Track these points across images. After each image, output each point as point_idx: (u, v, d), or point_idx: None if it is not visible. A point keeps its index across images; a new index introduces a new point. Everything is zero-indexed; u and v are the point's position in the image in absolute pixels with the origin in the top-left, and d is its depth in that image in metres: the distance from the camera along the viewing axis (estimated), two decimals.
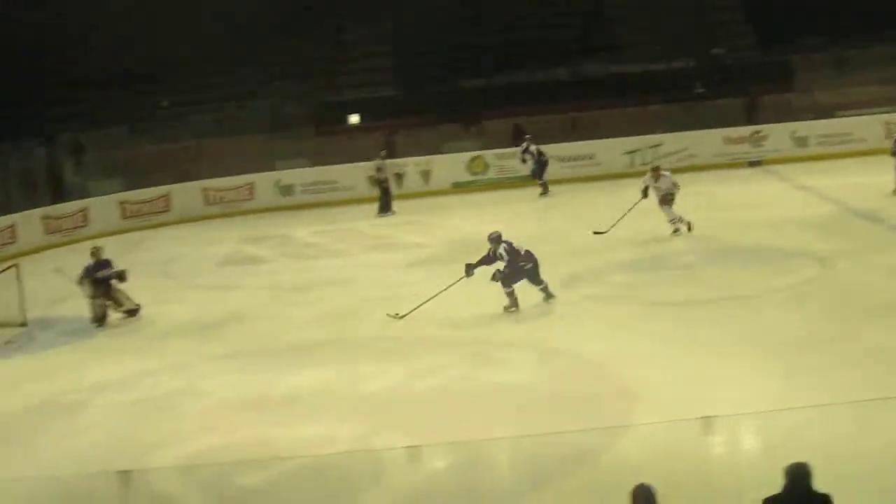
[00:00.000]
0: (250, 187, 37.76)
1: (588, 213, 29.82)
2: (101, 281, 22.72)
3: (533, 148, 35.90)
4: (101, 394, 18.02)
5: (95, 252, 23.73)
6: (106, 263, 23.11)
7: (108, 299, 22.84)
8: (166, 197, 36.50)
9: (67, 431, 16.42)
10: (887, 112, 38.56)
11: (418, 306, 20.82)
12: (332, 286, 24.74)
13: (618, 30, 45.69)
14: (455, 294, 22.46)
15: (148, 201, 35.90)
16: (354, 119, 42.24)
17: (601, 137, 38.42)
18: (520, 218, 31.06)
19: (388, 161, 35.03)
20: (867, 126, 37.89)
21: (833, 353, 16.53)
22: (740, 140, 38.26)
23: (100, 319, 22.62)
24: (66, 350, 21.43)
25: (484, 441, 13.58)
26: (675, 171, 34.00)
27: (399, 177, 35.36)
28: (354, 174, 37.55)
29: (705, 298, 20.77)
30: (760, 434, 13.42)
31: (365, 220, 33.29)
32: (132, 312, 22.96)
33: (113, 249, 30.81)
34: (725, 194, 32.13)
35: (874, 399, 12.30)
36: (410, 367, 17.88)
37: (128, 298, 23.04)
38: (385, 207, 34.01)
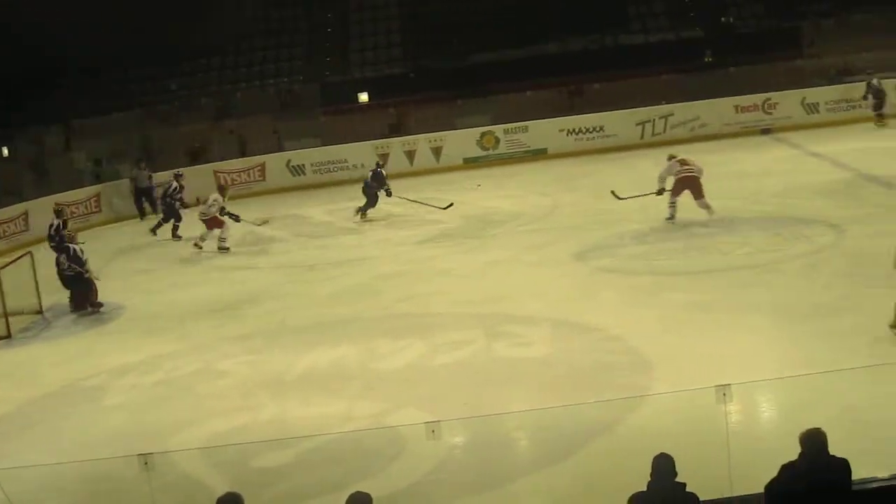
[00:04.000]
0: (261, 168, 37.78)
1: (599, 185, 29.77)
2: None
3: (875, 82, 36.13)
4: (121, 378, 18.11)
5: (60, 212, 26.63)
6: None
7: None
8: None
9: (89, 416, 16.52)
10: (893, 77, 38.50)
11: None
12: (347, 264, 24.82)
13: (627, 1, 45.52)
14: (470, 269, 22.62)
15: (160, 185, 35.95)
16: (363, 97, 42.19)
17: (611, 109, 38.36)
18: (531, 192, 31.10)
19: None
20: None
21: (848, 319, 16.59)
22: (752, 108, 38.17)
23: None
24: (84, 336, 21.48)
25: (503, 415, 13.62)
26: (686, 140, 34.15)
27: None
28: (365, 152, 37.56)
29: (719, 267, 20.82)
30: (777, 401, 13.47)
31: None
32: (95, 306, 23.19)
33: (129, 233, 31.15)
34: (737, 162, 32.08)
35: (889, 364, 12.31)
36: (426, 344, 17.92)
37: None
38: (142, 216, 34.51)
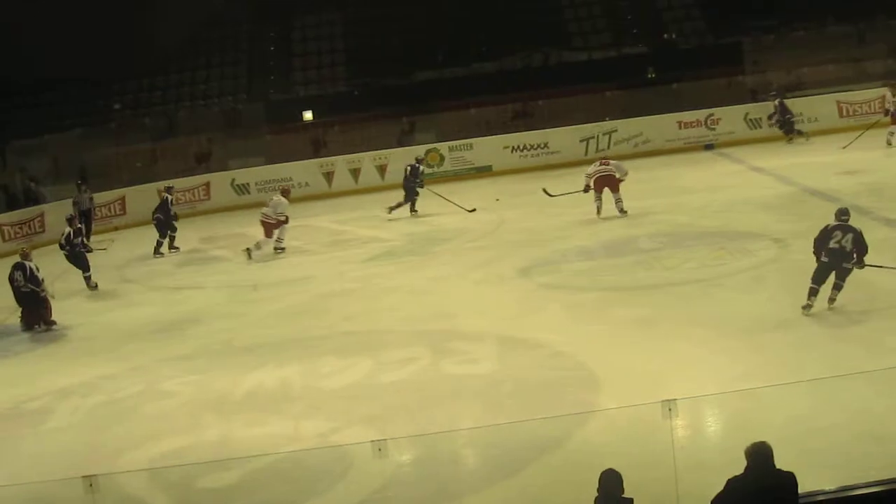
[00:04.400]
0: (206, 187, 37.64)
1: (544, 202, 29.83)
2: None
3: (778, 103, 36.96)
4: (64, 400, 17.92)
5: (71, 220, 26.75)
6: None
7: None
8: (122, 200, 36.33)
9: (33, 439, 16.34)
10: (839, 91, 38.90)
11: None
12: (292, 283, 24.71)
13: (568, 18, 45.73)
14: (415, 286, 22.63)
15: (105, 205, 35.70)
16: (308, 116, 42.15)
17: (555, 126, 38.49)
18: (476, 209, 31.06)
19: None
20: (819, 105, 38.17)
21: (792, 332, 16.71)
22: (695, 124, 38.41)
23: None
24: (26, 358, 21.27)
25: (450, 433, 13.59)
26: (630, 156, 34.35)
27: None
28: (310, 171, 37.52)
29: (664, 282, 20.89)
30: (722, 414, 13.52)
31: (323, 215, 33.23)
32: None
33: None
34: (681, 178, 32.31)
35: (833, 376, 12.39)
36: (373, 362, 17.84)
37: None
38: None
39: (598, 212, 27.58)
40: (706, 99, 38.77)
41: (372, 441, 11.00)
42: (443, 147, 38.51)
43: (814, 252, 17.76)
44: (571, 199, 28.26)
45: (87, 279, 26.23)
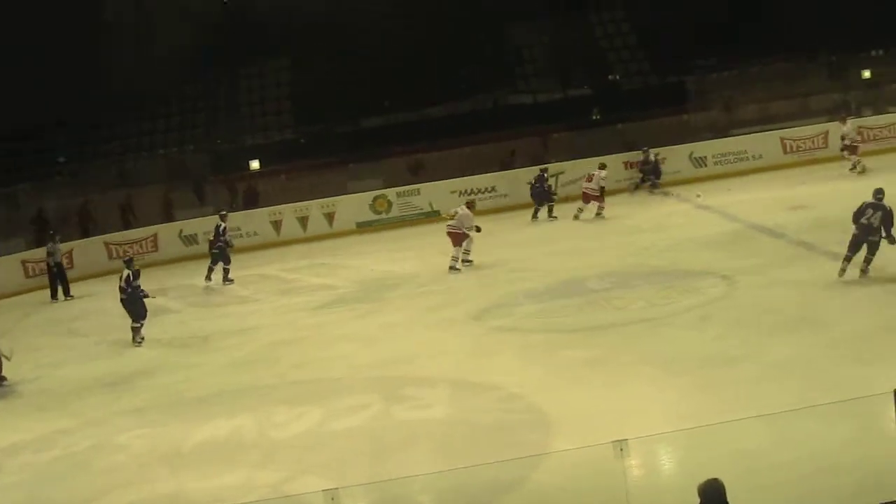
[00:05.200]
0: (154, 239, 37.45)
1: (493, 246, 29.94)
2: None
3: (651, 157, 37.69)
4: (15, 456, 17.78)
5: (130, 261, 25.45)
6: None
7: None
8: (69, 253, 36.06)
9: None
10: (782, 128, 39.30)
11: None
12: (242, 333, 24.59)
13: (514, 62, 45.99)
14: (367, 333, 22.59)
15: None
16: (255, 164, 42.10)
17: (502, 169, 38.62)
18: (425, 254, 31.07)
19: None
20: (763, 142, 38.51)
21: (742, 368, 16.81)
22: (640, 164, 38.58)
23: None
24: None
25: (404, 479, 13.54)
26: (578, 197, 34.47)
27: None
28: (258, 219, 37.45)
29: (614, 322, 20.96)
30: (674, 453, 13.53)
31: (272, 264, 33.14)
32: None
33: (19, 309, 30.64)
34: (629, 218, 32.45)
35: (784, 411, 12.45)
36: (326, 410, 17.79)
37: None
38: (55, 294, 32.65)
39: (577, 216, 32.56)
40: (652, 138, 38.99)
41: (324, 490, 10.95)
42: (390, 193, 38.50)
43: (852, 221, 20.85)
44: (524, 241, 28.29)
45: (137, 330, 24.81)
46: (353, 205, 38.33)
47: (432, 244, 32.35)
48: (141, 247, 37.07)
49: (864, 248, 20.79)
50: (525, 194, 36.94)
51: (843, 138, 35.50)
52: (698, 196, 25.63)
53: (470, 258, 28.27)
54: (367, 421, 17.04)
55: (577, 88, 44.22)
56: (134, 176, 42.19)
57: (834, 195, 29.51)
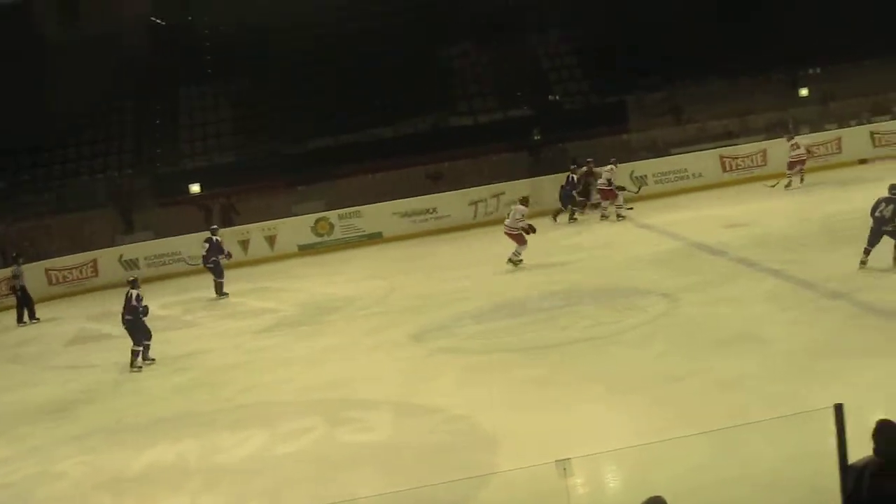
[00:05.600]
0: (94, 264, 37.17)
1: (434, 266, 29.97)
2: None
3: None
4: None
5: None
6: None
7: None
8: (8, 280, 35.74)
9: None
10: (721, 146, 39.62)
11: None
12: (186, 358, 24.42)
13: (454, 83, 46.06)
14: (309, 356, 22.51)
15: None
16: (195, 188, 41.92)
17: (445, 190, 38.63)
18: (367, 276, 31.07)
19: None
20: (703, 161, 38.78)
21: (686, 385, 16.86)
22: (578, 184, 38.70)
23: None
24: None
25: (349, 502, 13.47)
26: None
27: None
28: (198, 244, 37.22)
29: (557, 342, 20.95)
30: (619, 471, 13.56)
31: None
32: None
33: None
34: (571, 237, 32.59)
35: (728, 427, 12.49)
36: (270, 434, 17.71)
37: None
38: (21, 317, 32.64)
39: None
40: (593, 158, 39.15)
41: None
42: (332, 215, 38.43)
43: (870, 215, 22.51)
44: (463, 263, 28.30)
45: (142, 352, 23.93)
46: (294, 228, 38.23)
47: (374, 266, 32.38)
48: (81, 272, 36.81)
49: (890, 240, 22.37)
50: (464, 215, 37.04)
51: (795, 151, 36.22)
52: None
53: (521, 258, 28.95)
54: (311, 444, 16.96)
55: (517, 109, 44.28)
56: (73, 200, 41.83)
57: (773, 212, 29.76)
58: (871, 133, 40.35)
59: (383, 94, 43.24)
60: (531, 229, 28.81)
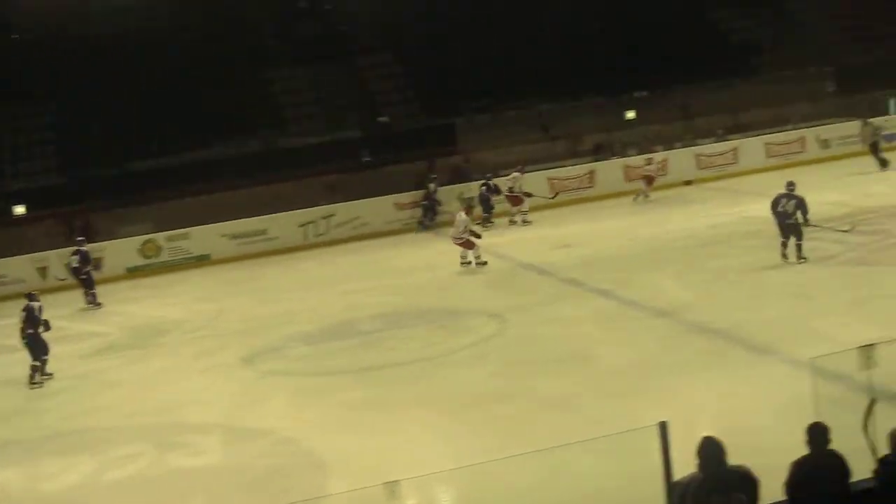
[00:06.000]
0: None
1: (264, 288, 29.83)
2: None
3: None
4: None
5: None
6: None
7: None
8: None
9: None
10: (550, 168, 40.23)
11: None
12: (8, 384, 23.81)
13: (282, 104, 45.90)
14: (137, 380, 22.20)
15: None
16: (20, 210, 41.01)
17: (273, 212, 38.39)
18: (197, 298, 30.79)
19: None
20: (532, 182, 39.20)
21: (516, 405, 17.05)
22: (411, 205, 38.88)
23: None
24: None
25: None
26: (349, 239, 34.62)
27: None
28: (23, 266, 36.43)
29: (387, 363, 21.03)
30: (450, 492, 13.64)
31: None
32: None
33: None
34: (401, 258, 32.68)
35: (556, 447, 12.65)
36: (97, 460, 17.39)
37: None
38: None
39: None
40: (422, 180, 39.36)
41: None
42: (160, 237, 37.95)
43: (771, 212, 24.42)
44: (293, 285, 28.22)
45: (36, 370, 22.99)
46: (121, 250, 37.61)
47: (204, 288, 32.08)
48: None
49: (792, 237, 24.32)
50: (294, 237, 36.98)
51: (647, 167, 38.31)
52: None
53: (484, 259, 29.23)
54: (140, 470, 16.71)
55: (345, 130, 44.25)
56: None
57: (600, 233, 30.27)
58: (696, 155, 41.42)
59: (210, 115, 42.79)
60: (476, 235, 28.89)
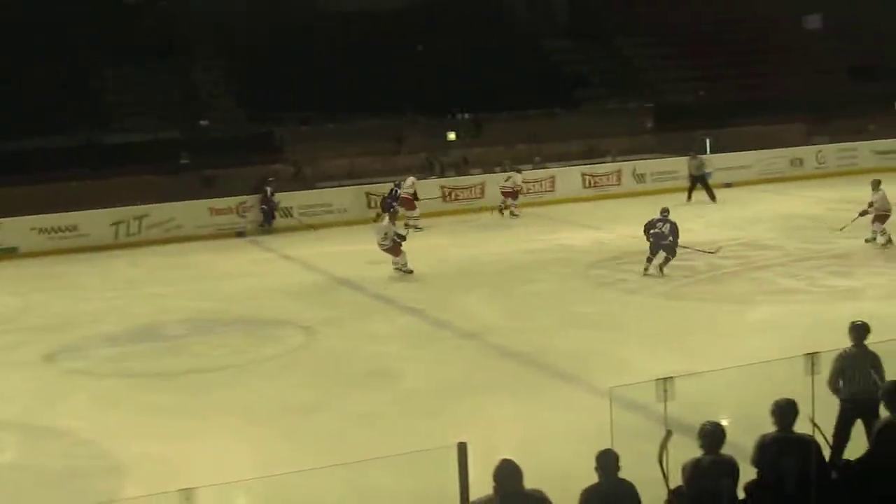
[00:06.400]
0: None
1: (72, 285, 29.29)
2: None
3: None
4: None
5: None
6: None
7: None
8: None
9: None
10: (369, 183, 40.39)
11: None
12: None
13: (103, 99, 45.21)
14: None
15: None
16: None
17: (86, 208, 37.66)
18: (1, 292, 29.96)
19: None
20: (348, 196, 39.33)
21: (321, 418, 17.06)
22: (226, 211, 38.57)
23: None
24: None
25: None
26: (162, 241, 34.22)
27: None
28: None
29: (193, 369, 20.84)
30: (248, 502, 13.56)
31: None
32: None
33: None
34: (212, 265, 32.32)
35: (357, 462, 12.66)
36: None
37: None
38: None
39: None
40: (239, 186, 39.12)
41: None
42: None
43: (644, 233, 26.46)
44: (101, 284, 27.78)
45: None
46: None
47: (9, 282, 31.28)
48: None
49: (662, 253, 26.37)
50: (105, 235, 36.38)
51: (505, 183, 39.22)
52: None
53: (410, 268, 28.65)
54: None
55: (165, 131, 43.74)
56: None
57: (414, 252, 30.33)
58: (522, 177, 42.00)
59: (31, 107, 41.89)
60: (400, 237, 28.58)
